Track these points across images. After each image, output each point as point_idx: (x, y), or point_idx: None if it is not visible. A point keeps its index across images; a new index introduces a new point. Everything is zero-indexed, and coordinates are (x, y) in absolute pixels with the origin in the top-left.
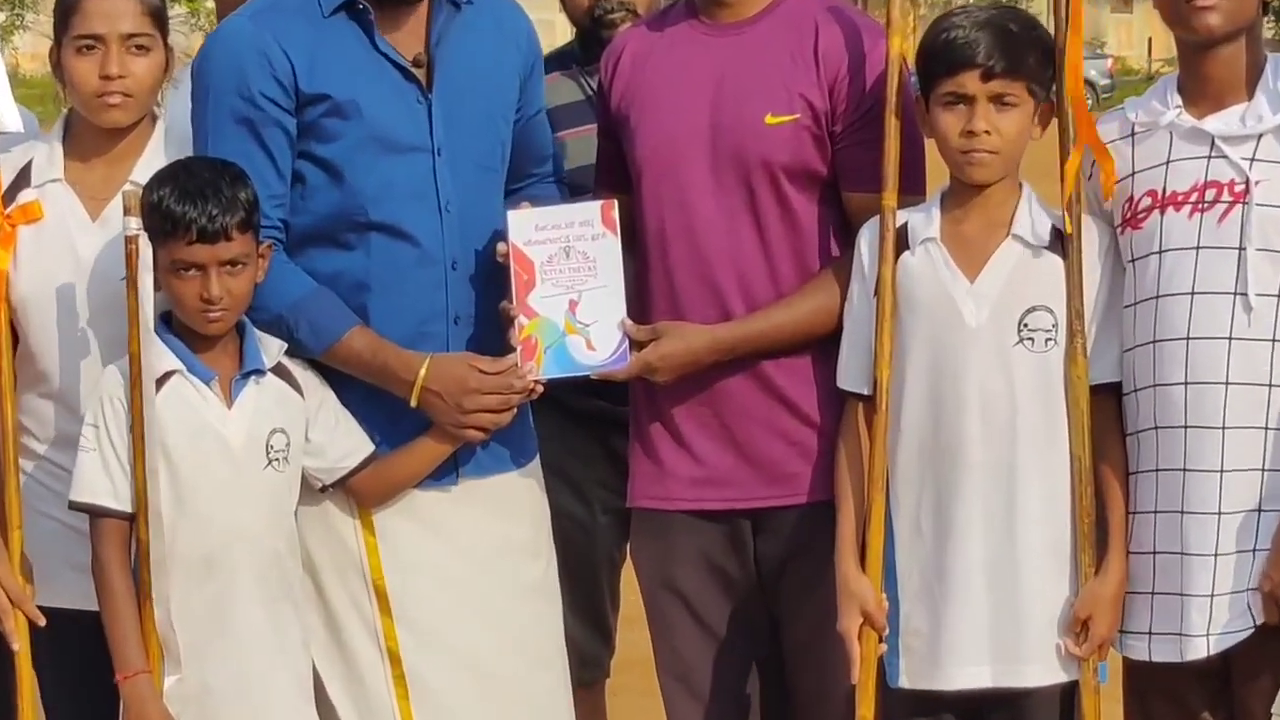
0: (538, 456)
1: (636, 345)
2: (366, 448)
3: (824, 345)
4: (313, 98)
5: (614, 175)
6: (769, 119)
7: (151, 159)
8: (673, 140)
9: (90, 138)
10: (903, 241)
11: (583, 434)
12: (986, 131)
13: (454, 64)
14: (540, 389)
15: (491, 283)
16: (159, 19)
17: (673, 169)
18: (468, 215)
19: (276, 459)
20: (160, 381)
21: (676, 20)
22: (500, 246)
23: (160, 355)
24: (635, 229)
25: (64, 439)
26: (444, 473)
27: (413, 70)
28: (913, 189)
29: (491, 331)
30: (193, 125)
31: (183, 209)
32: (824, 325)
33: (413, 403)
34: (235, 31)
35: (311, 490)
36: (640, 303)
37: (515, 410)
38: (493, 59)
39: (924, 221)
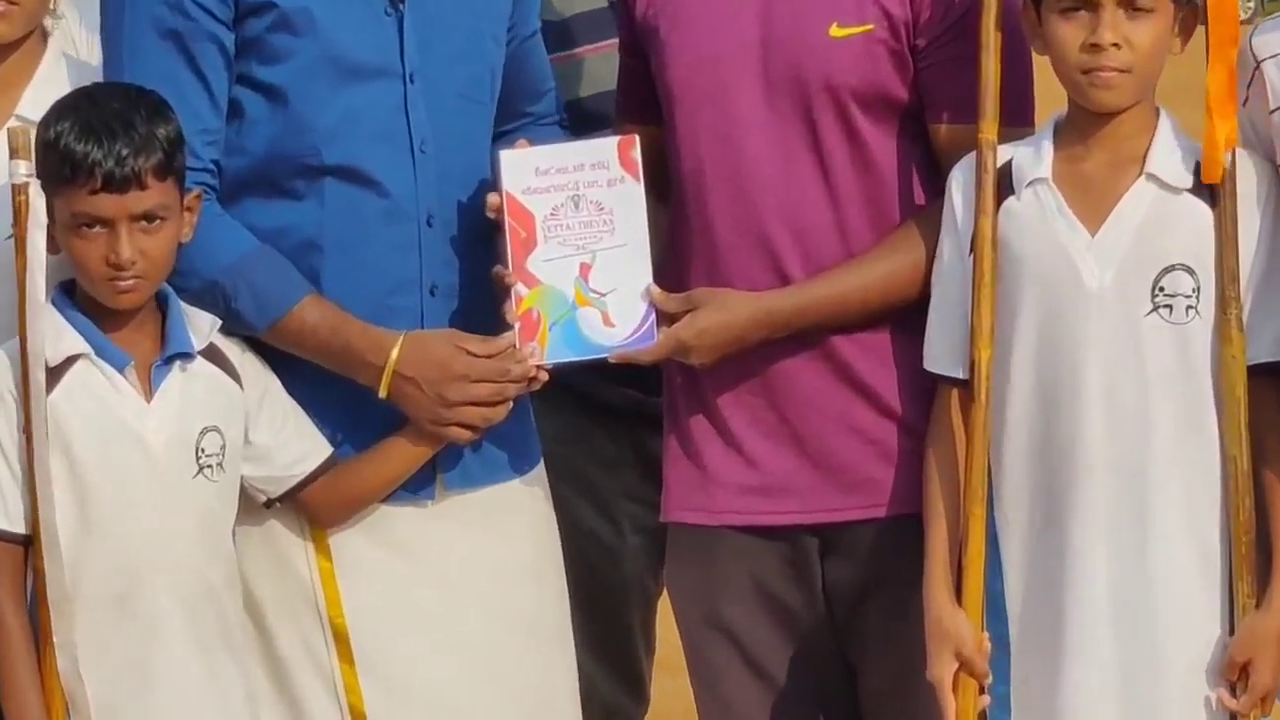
0: (541, 462)
1: (667, 318)
2: (322, 451)
3: (907, 318)
4: (255, 6)
5: (639, 103)
6: (834, 30)
7: (44, 86)
8: (714, 59)
9: None
10: (1006, 185)
11: (606, 432)
12: (1115, 44)
13: None
14: (545, 376)
15: (479, 243)
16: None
17: (714, 95)
18: (448, 157)
19: (209, 465)
20: (60, 369)
21: None
22: (491, 198)
23: (59, 335)
24: (666, 171)
25: None
26: (421, 483)
27: None
28: (1018, 119)
29: (479, 304)
30: (102, 41)
31: (85, 148)
32: (906, 291)
33: (382, 392)
34: None
35: (253, 505)
36: (672, 265)
37: (512, 403)
38: None
39: (1033, 159)
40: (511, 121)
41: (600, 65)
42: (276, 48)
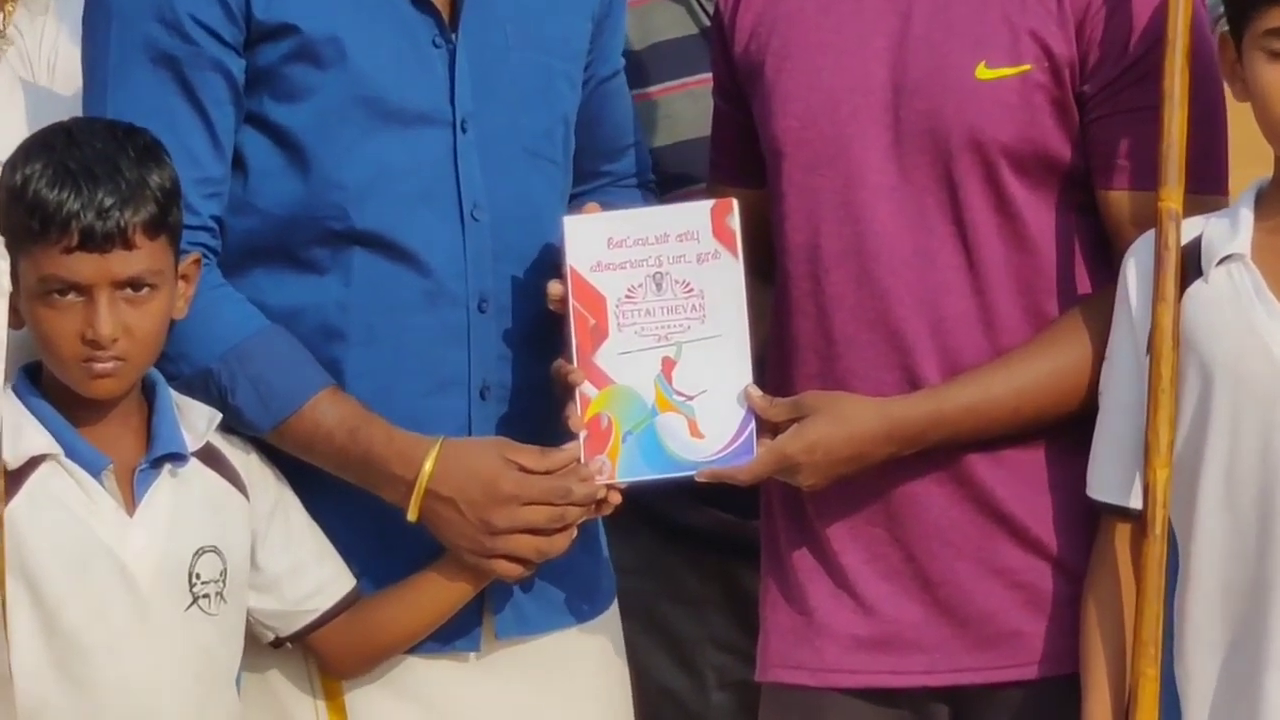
0: (615, 603)
1: (768, 428)
2: (344, 583)
3: (1064, 432)
4: (272, 30)
5: (736, 158)
6: (982, 72)
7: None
8: (832, 106)
9: None
10: (1193, 266)
11: (689, 565)
12: None
13: None
14: (616, 498)
15: (543, 333)
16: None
17: (832, 151)
18: (506, 227)
19: (206, 595)
20: (21, 473)
21: None
22: (553, 286)
23: (20, 431)
24: (769, 244)
25: None
26: (462, 629)
27: None
28: (1208, 185)
29: (541, 410)
30: (84, 65)
31: (59, 196)
32: (1067, 400)
33: (411, 514)
34: None
35: (252, 646)
36: (774, 361)
37: (575, 531)
38: None
39: (1227, 232)
40: (584, 182)
41: (684, 107)
42: (296, 82)
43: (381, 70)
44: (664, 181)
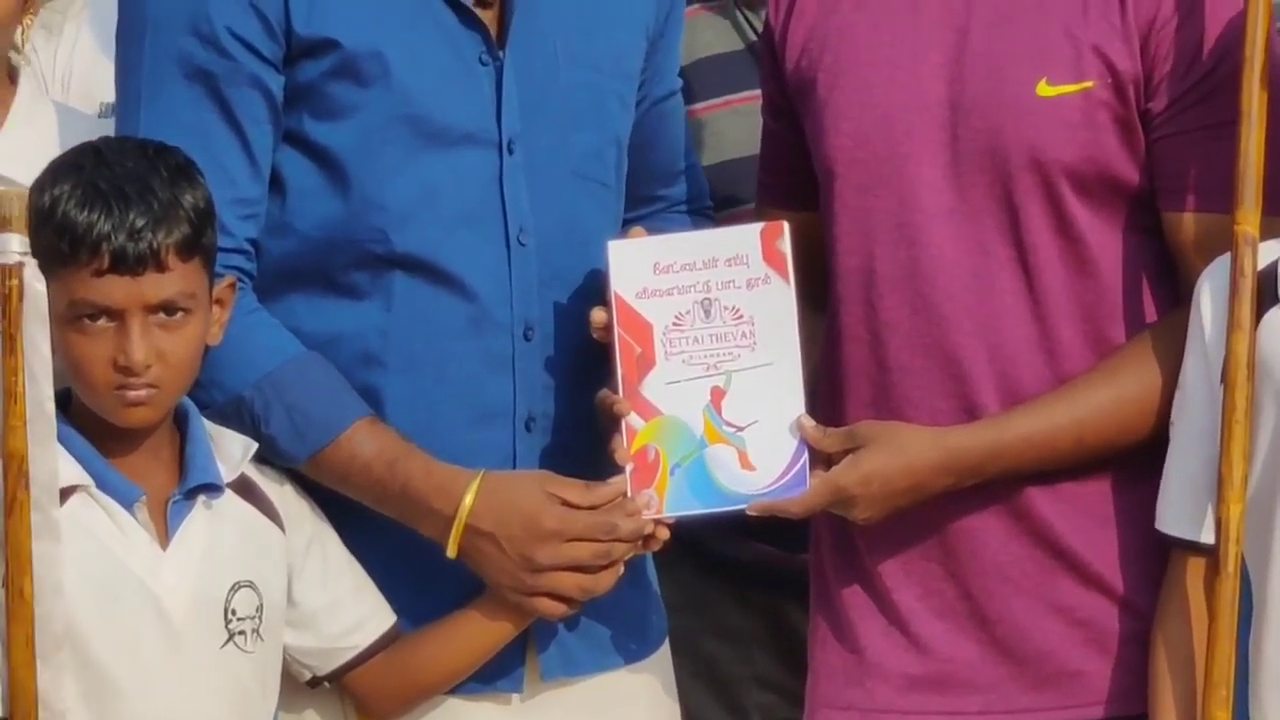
0: (666, 643)
1: (822, 460)
2: (384, 620)
3: (1129, 464)
4: (313, 45)
5: (788, 179)
6: (1043, 89)
7: (18, 136)
8: (886, 124)
9: None
10: (1270, 293)
11: (734, 600)
12: None
13: (543, 4)
14: (665, 534)
15: (590, 362)
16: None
17: (886, 172)
18: (554, 252)
19: (242, 632)
20: None
21: None
22: (596, 314)
23: (56, 460)
24: (821, 269)
25: None
26: (505, 669)
27: (476, 11)
28: None
29: (587, 442)
30: (117, 79)
31: (90, 218)
32: (1134, 430)
33: (450, 550)
34: None
35: (288, 689)
36: (825, 390)
37: (622, 568)
38: (606, 1)
39: None
40: (638, 208)
41: (729, 125)
42: (337, 100)
43: (426, 88)
44: (719, 200)
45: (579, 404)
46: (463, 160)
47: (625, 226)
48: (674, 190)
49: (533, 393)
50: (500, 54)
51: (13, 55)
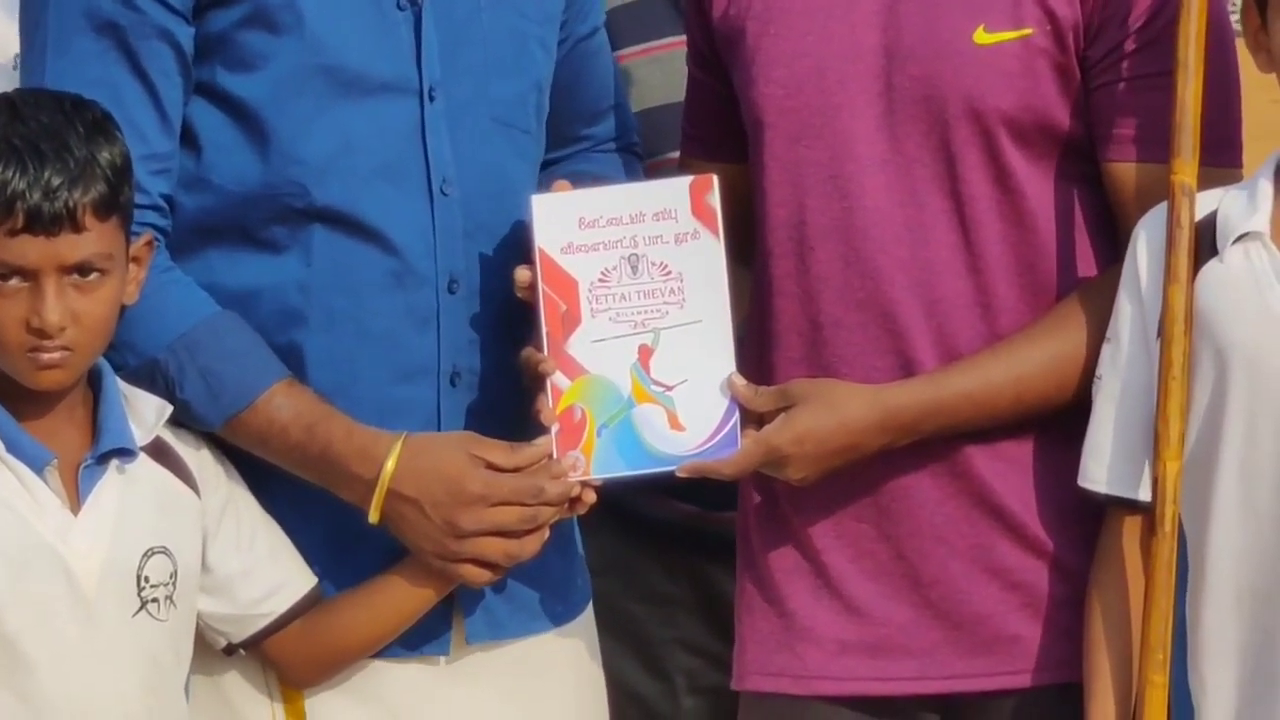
0: (590, 606)
1: (753, 419)
2: (302, 584)
3: (1067, 423)
4: None
5: (715, 131)
6: (981, 36)
7: None
8: (818, 73)
9: None
10: (1207, 244)
11: (657, 562)
12: None
13: None
14: (592, 497)
15: (517, 316)
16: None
17: (818, 121)
18: (478, 202)
19: (155, 599)
20: None
21: None
22: (520, 272)
23: None
24: (750, 222)
25: None
26: (430, 634)
27: None
28: (1223, 157)
29: (514, 398)
30: (22, 32)
31: (3, 175)
32: (1071, 386)
33: (372, 516)
34: None
35: (204, 652)
36: (753, 346)
37: (548, 532)
38: None
39: (1244, 208)
40: (562, 147)
41: (649, 73)
42: (250, 49)
43: (342, 35)
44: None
45: (505, 359)
46: (382, 109)
47: (552, 167)
48: (600, 129)
49: (458, 348)
50: (418, 1)
51: None
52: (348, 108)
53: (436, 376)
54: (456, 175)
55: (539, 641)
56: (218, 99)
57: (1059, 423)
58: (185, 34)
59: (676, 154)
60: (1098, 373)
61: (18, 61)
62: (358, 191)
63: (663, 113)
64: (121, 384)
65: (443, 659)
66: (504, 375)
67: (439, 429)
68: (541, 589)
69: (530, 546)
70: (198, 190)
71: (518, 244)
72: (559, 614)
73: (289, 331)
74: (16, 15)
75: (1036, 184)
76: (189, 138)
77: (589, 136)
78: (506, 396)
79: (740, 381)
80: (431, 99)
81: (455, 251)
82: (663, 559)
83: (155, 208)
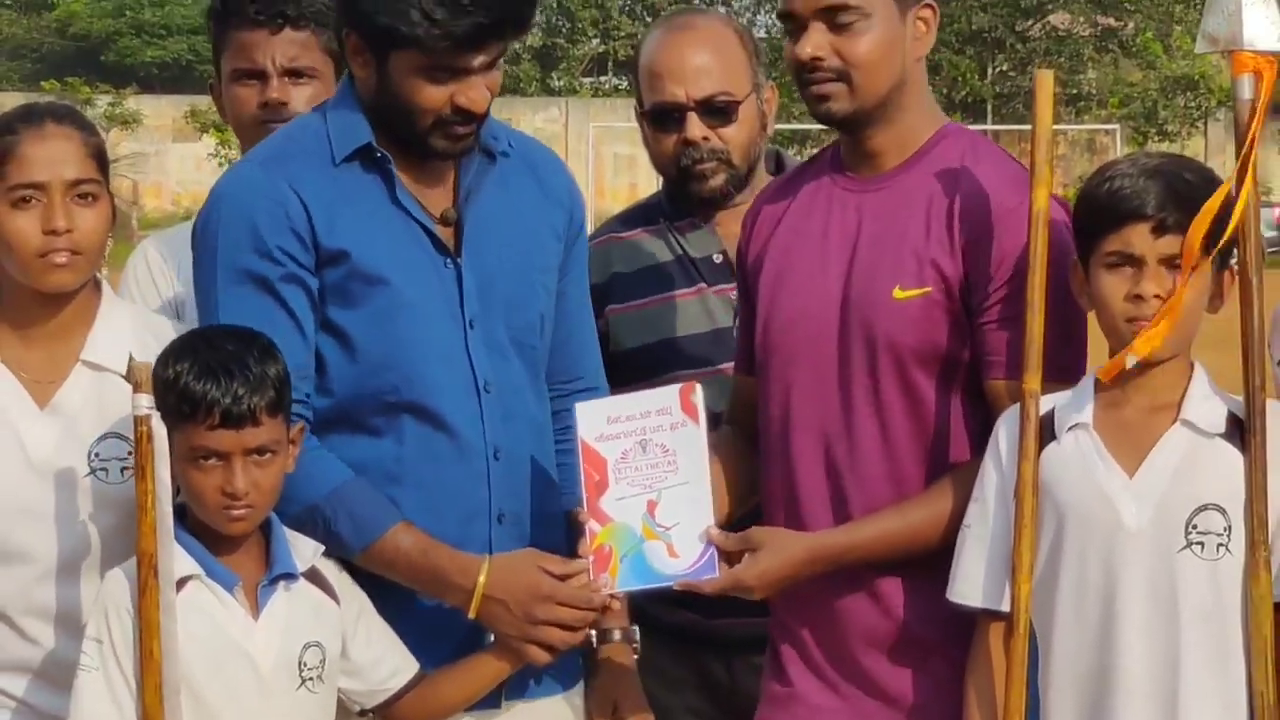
0: (583, 680)
1: (730, 556)
2: (412, 667)
3: (948, 556)
4: (333, 255)
5: (749, 352)
6: (898, 293)
7: (105, 334)
8: (803, 317)
9: (26, 308)
10: (1048, 432)
11: (669, 653)
12: (1158, 295)
13: (486, 222)
14: (617, 604)
15: (539, 475)
16: (103, 161)
17: (802, 351)
18: (508, 397)
19: (310, 678)
20: (175, 589)
21: (818, 173)
22: (579, 513)
23: (173, 557)
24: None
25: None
26: (489, 696)
27: (438, 230)
28: (1063, 374)
29: (542, 531)
30: (196, 289)
31: (204, 387)
32: (940, 534)
33: (471, 613)
34: (245, 180)
35: (343, 711)
36: (763, 501)
37: (589, 630)
38: (531, 217)
39: (1073, 406)
40: (561, 385)
41: (668, 314)
42: (354, 294)
43: (412, 284)
44: (651, 364)
45: (533, 503)
46: (442, 336)
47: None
48: (586, 370)
49: (501, 497)
50: (458, 261)
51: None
52: (420, 334)
53: (488, 517)
54: (493, 378)
55: (550, 703)
56: (332, 330)
57: (947, 557)
58: (313, 282)
59: (695, 370)
60: (965, 522)
61: (168, 303)
62: (432, 392)
63: (677, 342)
64: (285, 528)
65: (495, 713)
66: (533, 517)
67: (490, 553)
68: (555, 665)
69: (579, 637)
70: (321, 395)
71: (534, 426)
72: (565, 681)
73: (389, 490)
74: (174, 265)
75: (935, 396)
76: (315, 360)
77: (581, 380)
78: (536, 530)
79: (715, 531)
80: (472, 327)
81: (496, 431)
82: (674, 650)
83: (303, 403)
